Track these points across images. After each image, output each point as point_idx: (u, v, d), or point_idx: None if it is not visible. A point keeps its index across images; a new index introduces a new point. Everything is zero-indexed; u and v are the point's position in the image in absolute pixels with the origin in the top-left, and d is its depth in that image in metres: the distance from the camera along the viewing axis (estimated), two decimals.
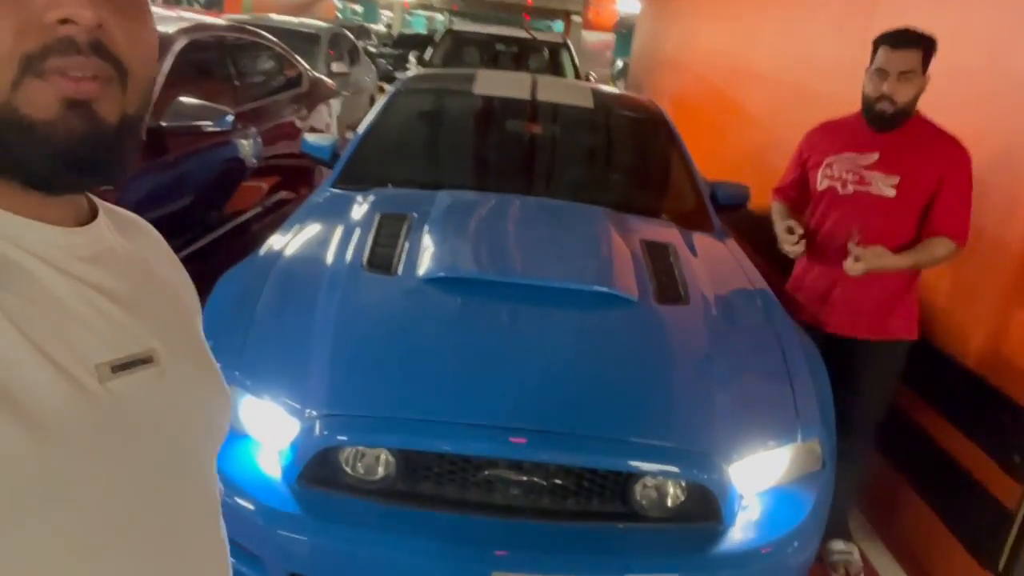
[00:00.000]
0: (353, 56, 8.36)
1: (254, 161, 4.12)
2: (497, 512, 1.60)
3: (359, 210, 2.35)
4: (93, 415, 0.48)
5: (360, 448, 1.61)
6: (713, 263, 2.37)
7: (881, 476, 2.50)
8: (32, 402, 0.44)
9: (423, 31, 22.49)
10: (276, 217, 3.82)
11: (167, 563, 0.54)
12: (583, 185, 2.80)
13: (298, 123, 4.71)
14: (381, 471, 1.61)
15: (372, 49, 14.86)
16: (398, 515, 1.57)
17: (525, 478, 1.61)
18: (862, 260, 1.97)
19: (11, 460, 0.42)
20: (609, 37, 15.61)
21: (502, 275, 1.97)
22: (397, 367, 1.69)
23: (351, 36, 8.63)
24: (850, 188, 2.13)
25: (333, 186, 2.68)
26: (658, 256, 2.24)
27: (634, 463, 1.60)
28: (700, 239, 2.52)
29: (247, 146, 4.06)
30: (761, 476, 1.68)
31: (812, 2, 4.00)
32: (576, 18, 19.71)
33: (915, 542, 2.41)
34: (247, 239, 3.85)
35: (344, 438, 1.58)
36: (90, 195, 0.58)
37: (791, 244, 2.15)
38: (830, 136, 2.23)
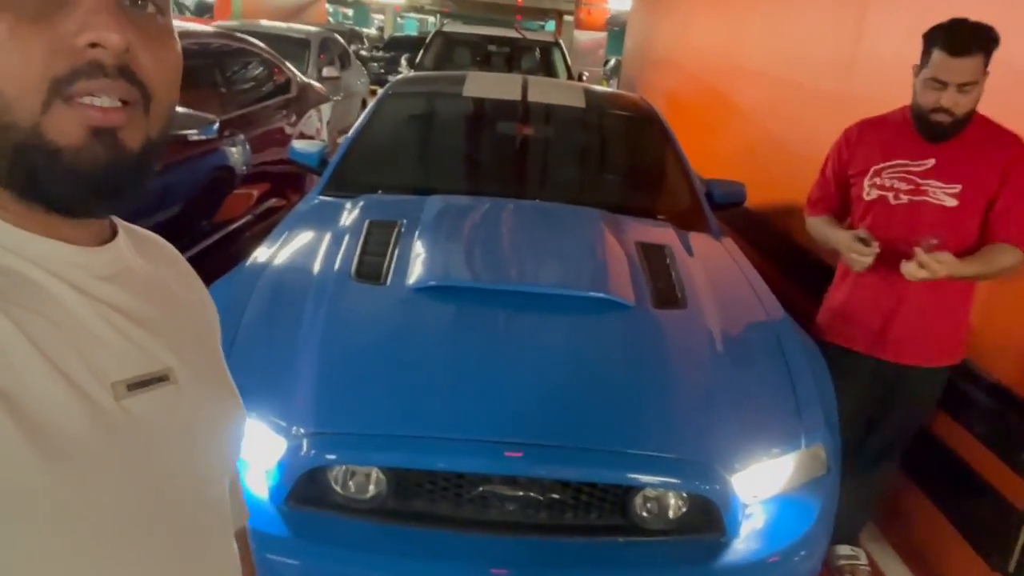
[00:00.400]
0: (344, 60, 8.32)
1: (243, 168, 4.07)
2: (493, 529, 1.54)
3: (347, 218, 2.30)
4: (107, 432, 0.48)
5: (350, 467, 1.55)
6: (710, 264, 2.32)
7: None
8: (46, 418, 0.44)
9: (415, 34, 22.46)
10: (267, 225, 3.78)
11: None
12: (576, 186, 2.75)
13: (287, 129, 4.66)
14: (372, 489, 1.55)
15: (364, 53, 14.82)
16: (390, 534, 1.51)
17: (521, 493, 1.56)
18: (927, 267, 1.74)
19: (23, 475, 0.43)
20: (601, 36, 15.57)
21: (495, 282, 1.92)
22: (387, 381, 1.63)
23: (342, 40, 8.59)
24: (904, 198, 1.92)
25: (322, 193, 2.63)
26: (654, 258, 2.19)
27: (633, 476, 1.55)
28: (696, 239, 2.47)
29: (236, 153, 4.01)
30: (765, 484, 1.63)
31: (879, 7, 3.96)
32: (568, 17, 19.68)
33: (923, 544, 2.36)
34: (238, 247, 3.81)
35: (333, 457, 1.53)
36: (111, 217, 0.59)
37: (866, 255, 1.86)
38: (875, 141, 2.00)
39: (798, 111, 3.77)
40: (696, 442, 1.58)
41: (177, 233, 3.35)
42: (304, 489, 1.52)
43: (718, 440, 1.59)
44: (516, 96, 3.04)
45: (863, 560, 2.27)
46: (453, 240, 2.12)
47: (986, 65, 1.75)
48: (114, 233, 0.57)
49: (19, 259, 0.49)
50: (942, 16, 1.82)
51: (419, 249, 2.02)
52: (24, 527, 0.43)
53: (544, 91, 3.17)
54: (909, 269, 1.78)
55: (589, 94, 3.19)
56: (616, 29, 15.75)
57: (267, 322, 1.79)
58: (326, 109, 5.57)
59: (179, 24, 2.98)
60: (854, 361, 2.04)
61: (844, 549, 2.26)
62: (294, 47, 7.11)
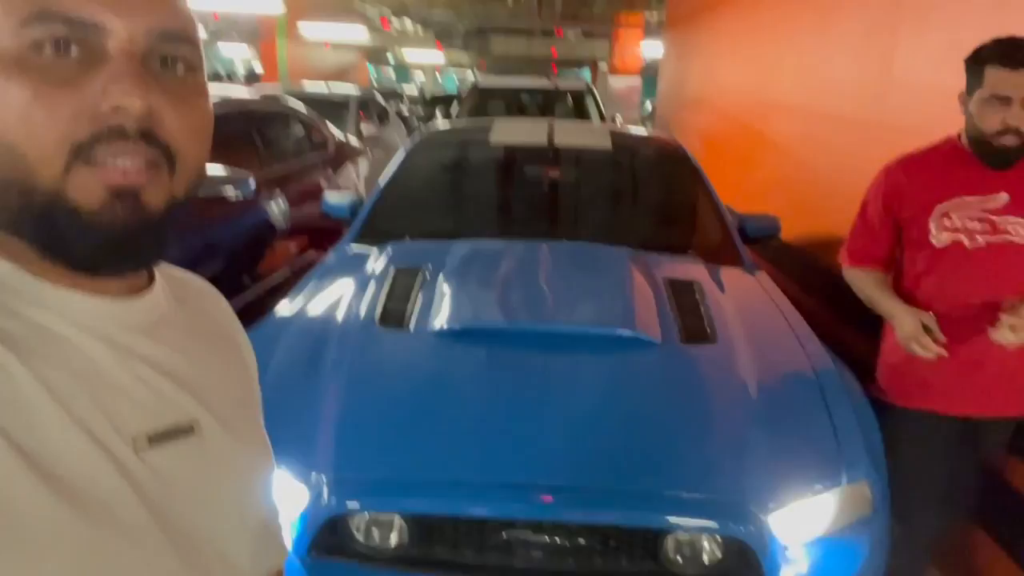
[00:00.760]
0: (382, 117, 8.57)
1: (283, 223, 4.20)
2: None
3: (373, 265, 2.33)
4: (127, 485, 0.48)
5: (372, 515, 1.53)
6: (742, 298, 2.26)
7: None
8: (65, 472, 0.45)
9: (455, 91, 23.09)
10: None
11: None
12: (602, 226, 2.73)
13: (325, 184, 4.79)
14: (394, 538, 1.52)
15: (404, 110, 15.27)
16: None
17: (547, 539, 1.51)
18: (1018, 330, 1.56)
19: (42, 529, 0.43)
20: (636, 81, 15.73)
21: (516, 322, 1.90)
22: (409, 426, 1.62)
23: (380, 99, 8.85)
24: (980, 240, 1.68)
25: (351, 242, 2.67)
26: (683, 294, 2.14)
27: (663, 517, 1.48)
28: (728, 273, 2.42)
29: (275, 209, 4.14)
30: (806, 525, 1.55)
31: (830, 27, 3.93)
32: (602, 65, 19.97)
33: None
34: (277, 300, 3.90)
35: (355, 504, 1.51)
36: None
37: (930, 350, 1.65)
38: (930, 178, 1.77)
39: (831, 141, 3.71)
40: (728, 480, 1.52)
41: (219, 288, 3.49)
42: (326, 539, 1.50)
43: (752, 477, 1.52)
44: (542, 140, 3.06)
45: None
46: (476, 283, 2.12)
47: None
48: (151, 280, 0.57)
49: (46, 312, 0.49)
50: (973, 41, 1.75)
51: (442, 293, 2.02)
52: None
53: (570, 134, 3.20)
54: (1002, 335, 1.58)
55: (616, 135, 3.20)
56: (651, 75, 15.92)
57: (291, 368, 1.80)
58: (363, 164, 5.73)
59: (223, 90, 3.14)
60: (931, 423, 1.80)
61: None
62: (334, 107, 7.38)
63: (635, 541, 1.51)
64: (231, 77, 20.46)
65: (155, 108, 0.48)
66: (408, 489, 1.53)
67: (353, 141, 6.02)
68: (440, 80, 32.07)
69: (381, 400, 1.70)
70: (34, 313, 0.49)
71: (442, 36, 21.31)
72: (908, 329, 1.69)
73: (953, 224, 1.71)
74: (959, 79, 1.81)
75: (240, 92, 4.86)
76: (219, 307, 0.68)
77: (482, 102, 7.98)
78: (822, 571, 1.53)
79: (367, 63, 26.54)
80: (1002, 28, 1.73)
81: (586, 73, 23.97)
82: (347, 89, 8.60)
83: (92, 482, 0.46)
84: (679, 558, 1.51)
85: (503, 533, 1.51)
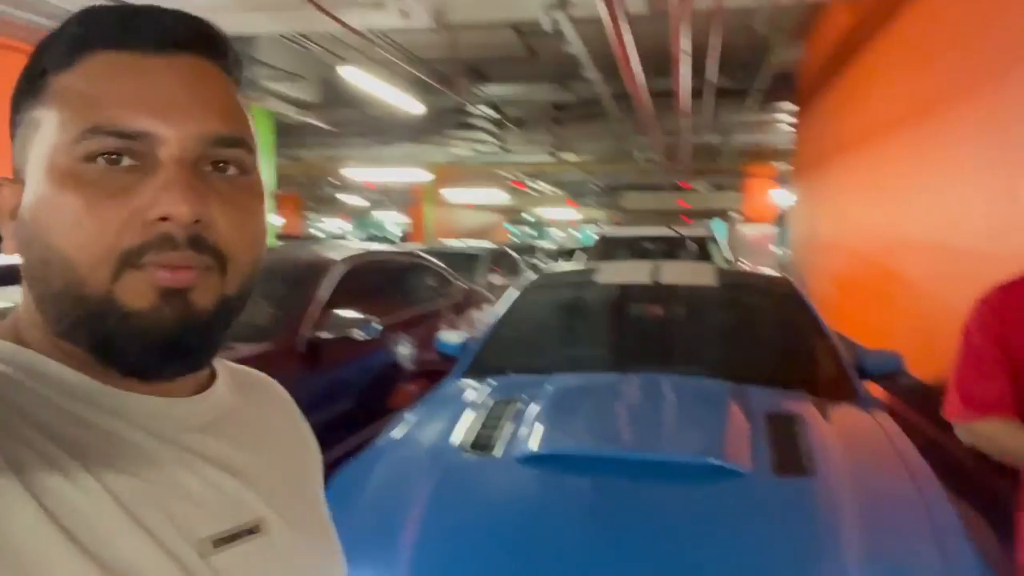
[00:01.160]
0: (513, 269, 9.09)
1: (410, 364, 4.47)
2: None
3: (474, 396, 2.43)
4: None
5: None
6: (852, 434, 2.13)
7: None
8: None
9: (590, 243, 23.98)
10: None
11: None
12: (703, 360, 2.71)
13: (447, 327, 5.08)
14: None
15: (539, 262, 15.98)
16: None
17: None
18: None
19: None
20: (770, 229, 15.64)
21: (600, 450, 1.90)
22: (484, 553, 1.63)
23: (512, 253, 9.42)
24: None
25: (459, 378, 2.81)
26: (781, 426, 2.06)
27: None
28: (838, 409, 2.31)
29: (403, 351, 4.43)
30: None
31: (956, 162, 3.85)
32: (734, 215, 20.08)
33: None
34: None
35: None
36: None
37: None
38: None
39: (962, 276, 3.52)
40: None
41: (352, 423, 3.71)
42: None
43: None
44: (646, 279, 3.15)
45: None
46: (564, 411, 2.15)
47: None
48: (213, 377, 0.58)
49: (108, 416, 0.50)
50: None
51: (531, 420, 2.07)
52: None
53: (675, 272, 3.26)
54: None
55: (721, 272, 3.23)
56: (785, 224, 15.80)
57: (382, 495, 1.88)
58: (488, 309, 6.04)
59: (360, 246, 3.57)
60: None
61: None
62: (468, 260, 7.98)
63: None
64: (385, 238, 22.54)
65: (204, 213, 0.49)
66: None
67: (482, 290, 6.40)
68: (576, 234, 33.40)
69: (458, 526, 1.72)
70: (103, 420, 0.49)
71: (575, 195, 22.46)
72: None
73: None
74: None
75: (377, 247, 5.39)
76: (281, 400, 0.67)
77: (608, 251, 8.26)
78: None
79: (505, 222, 28.32)
80: None
81: (719, 223, 24.14)
82: (480, 245, 9.26)
83: None
84: None
85: None
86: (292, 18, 5.85)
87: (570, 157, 14.80)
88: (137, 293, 0.48)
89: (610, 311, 3.12)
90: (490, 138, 11.54)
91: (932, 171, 4.24)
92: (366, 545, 1.66)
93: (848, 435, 2.10)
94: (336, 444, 3.41)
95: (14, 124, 0.52)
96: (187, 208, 0.47)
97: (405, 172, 13.26)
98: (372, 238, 17.68)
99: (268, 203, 0.56)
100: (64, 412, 0.48)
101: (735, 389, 2.32)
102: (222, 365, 0.60)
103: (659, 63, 6.18)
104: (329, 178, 16.22)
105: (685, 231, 8.72)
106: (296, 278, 3.84)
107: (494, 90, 9.78)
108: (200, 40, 0.52)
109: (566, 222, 31.84)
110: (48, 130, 0.49)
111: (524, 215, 30.07)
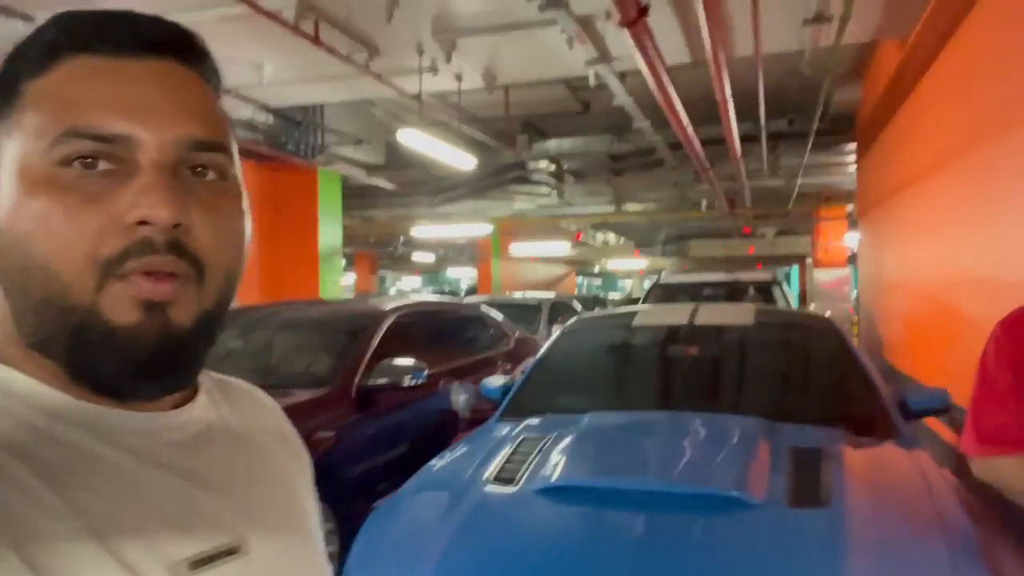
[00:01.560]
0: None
1: (466, 411, 4.58)
2: None
3: (507, 435, 2.52)
4: None
5: None
6: (883, 470, 2.10)
7: None
8: None
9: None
10: None
11: None
12: (735, 398, 2.72)
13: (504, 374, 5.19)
14: None
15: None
16: None
17: None
18: None
19: None
20: (845, 272, 15.16)
21: (609, 481, 1.95)
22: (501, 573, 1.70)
23: (573, 304, 9.50)
24: None
25: (497, 420, 2.90)
26: (805, 461, 2.06)
27: None
28: (873, 446, 2.28)
29: (458, 398, 4.55)
30: None
31: (1007, 197, 3.75)
32: (808, 260, 19.54)
33: None
34: None
35: None
36: None
37: None
38: None
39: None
40: None
41: (407, 467, 3.84)
42: None
43: None
44: (683, 321, 3.19)
45: None
46: (587, 446, 2.21)
47: None
48: (194, 390, 0.57)
49: (81, 432, 0.48)
50: None
51: (556, 454, 2.14)
52: None
53: (712, 314, 3.29)
54: None
55: (760, 312, 3.24)
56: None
57: (410, 529, 1.98)
58: None
59: (414, 298, 3.82)
60: None
61: None
62: (529, 311, 8.15)
63: None
64: (456, 293, 23.02)
65: (184, 218, 0.47)
66: None
67: (536, 338, 6.49)
68: (645, 286, 33.20)
69: (476, 555, 1.80)
70: (76, 437, 0.47)
71: (642, 244, 22.40)
72: None
73: None
74: None
75: (430, 298, 5.62)
76: (267, 409, 0.66)
77: (667, 298, 8.23)
78: None
79: (575, 275, 28.40)
80: None
81: (794, 271, 23.51)
82: (540, 295, 9.40)
83: None
84: None
85: None
86: (353, 87, 6.26)
87: (633, 207, 14.87)
88: (122, 307, 0.47)
89: (645, 352, 3.17)
90: (550, 191, 11.77)
91: (985, 205, 4.13)
92: (387, 565, 1.76)
93: (878, 472, 2.07)
94: (393, 487, 3.54)
95: None
96: (167, 212, 0.46)
97: (469, 228, 13.62)
98: (440, 292, 18.12)
99: (245, 202, 0.54)
100: (35, 430, 0.46)
101: (765, 426, 2.33)
102: (205, 376, 0.59)
103: (707, 110, 6.25)
104: (401, 236, 16.79)
105: (747, 276, 8.59)
106: (350, 328, 4.06)
107: (551, 144, 10.04)
108: (177, 45, 0.51)
109: (635, 272, 31.65)
110: (22, 136, 0.48)
111: (594, 267, 30.12)
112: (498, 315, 5.85)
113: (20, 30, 0.51)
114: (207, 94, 0.53)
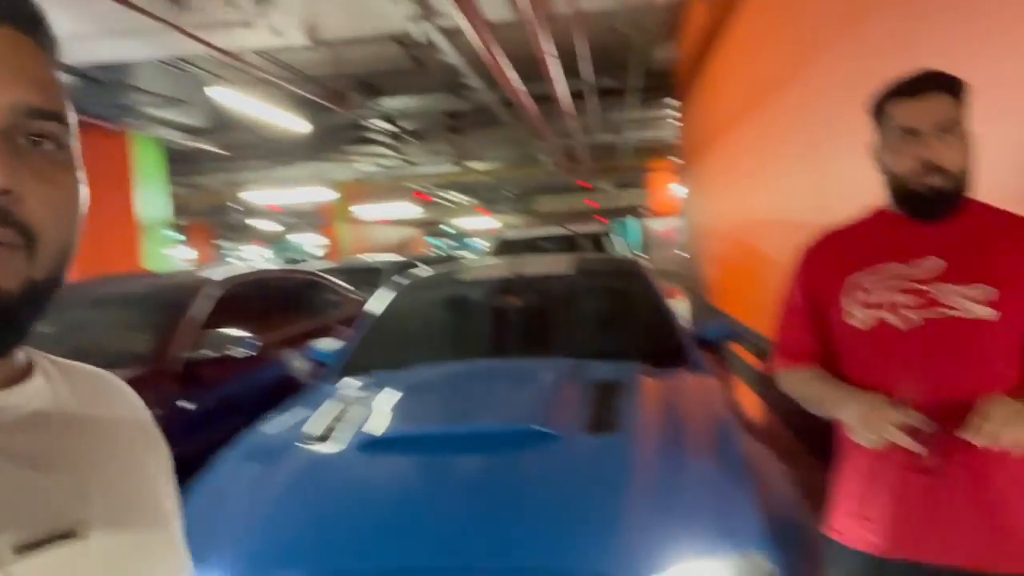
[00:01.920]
0: None
1: (305, 377, 4.54)
2: None
3: (333, 394, 2.54)
4: None
5: None
6: (670, 396, 2.35)
7: None
8: None
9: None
10: None
11: None
12: (553, 343, 2.91)
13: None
14: None
15: None
16: None
17: None
18: (993, 420, 1.15)
19: None
20: (675, 222, 16.26)
21: (425, 429, 2.05)
22: (312, 528, 1.75)
23: (417, 263, 9.54)
24: (915, 317, 1.31)
25: (329, 380, 2.91)
26: (605, 393, 2.26)
27: None
28: (667, 375, 2.53)
29: (297, 364, 4.49)
30: None
31: (786, 147, 4.20)
32: (644, 211, 20.74)
33: None
34: None
35: None
36: (31, 353, 0.56)
37: (890, 435, 1.23)
38: (848, 247, 1.44)
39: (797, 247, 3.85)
40: (599, 557, 1.57)
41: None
42: None
43: (624, 550, 1.57)
44: (507, 273, 3.33)
45: None
46: (407, 399, 2.29)
47: (963, 111, 1.30)
48: (27, 372, 0.55)
49: None
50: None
51: (376, 410, 2.21)
52: None
53: (536, 265, 3.46)
54: (980, 432, 1.15)
55: (579, 260, 3.45)
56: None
57: (221, 488, 1.98)
58: None
59: (245, 268, 3.65)
60: (876, 570, 1.37)
61: None
62: (370, 274, 8.10)
63: None
64: (303, 260, 22.28)
65: (15, 187, 0.46)
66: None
67: None
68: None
69: (292, 513, 1.83)
70: None
71: (489, 202, 22.73)
72: (857, 407, 1.28)
73: (870, 299, 1.35)
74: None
75: (263, 267, 5.46)
76: (121, 396, 0.64)
77: (509, 252, 8.49)
78: None
79: (426, 235, 28.36)
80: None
81: (631, 222, 24.83)
82: (385, 259, 9.35)
83: None
84: None
85: None
86: (161, 43, 5.81)
87: (477, 166, 15.03)
88: None
89: (471, 305, 3.29)
90: (390, 152, 11.63)
91: (770, 154, 4.60)
92: (198, 539, 1.75)
93: (664, 397, 2.31)
94: None
95: None
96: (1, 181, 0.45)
97: (309, 192, 13.18)
98: (291, 261, 17.48)
99: (82, 174, 0.53)
100: None
101: (574, 365, 2.52)
102: (48, 361, 0.57)
103: (537, 68, 6.41)
104: (228, 203, 15.94)
105: (580, 228, 9.02)
106: (169, 301, 3.87)
107: (387, 103, 9.88)
108: (11, 12, 0.50)
109: (486, 231, 32.12)
110: None
111: (444, 227, 30.18)
112: (339, 281, 5.78)
113: None
114: (44, 62, 0.52)
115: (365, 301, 6.06)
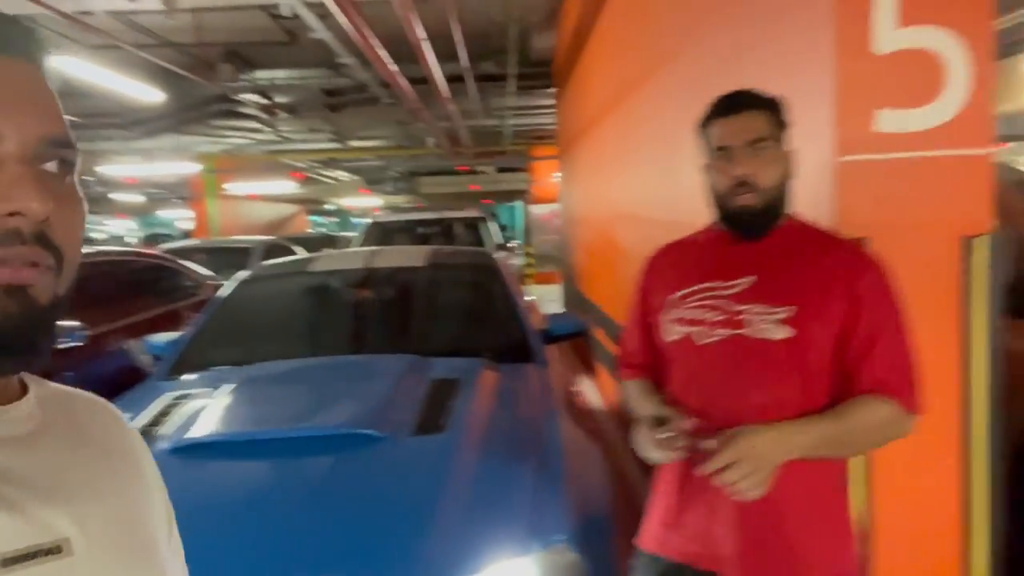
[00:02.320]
0: None
1: (150, 365, 4.28)
2: None
3: (161, 392, 2.41)
4: None
5: None
6: (506, 392, 2.38)
7: None
8: None
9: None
10: None
11: None
12: (398, 338, 2.89)
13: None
14: None
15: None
16: None
17: None
18: (730, 452, 1.17)
19: None
20: (556, 207, 16.55)
21: (243, 433, 1.98)
22: None
23: (289, 246, 9.20)
24: (716, 333, 1.33)
25: (161, 376, 2.75)
26: (441, 391, 2.26)
27: None
28: (508, 371, 2.56)
29: (141, 352, 4.23)
30: None
31: (640, 143, 4.35)
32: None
33: None
34: None
35: None
36: (25, 375, 0.58)
37: (660, 447, 1.29)
38: (677, 262, 1.49)
39: (650, 242, 4.01)
40: (408, 569, 1.57)
41: None
42: None
43: (434, 562, 1.58)
44: (359, 265, 3.27)
45: None
46: (234, 399, 2.20)
47: (777, 129, 1.35)
48: (22, 393, 0.56)
49: None
50: None
51: (200, 410, 2.11)
52: None
53: (389, 258, 3.41)
54: (719, 476, 1.17)
55: (433, 253, 3.43)
56: None
57: None
58: None
59: (97, 249, 3.36)
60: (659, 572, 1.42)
61: None
62: (238, 255, 7.72)
63: None
64: (171, 237, 20.98)
65: (53, 211, 0.50)
66: None
67: None
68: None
69: None
70: None
71: (373, 182, 22.25)
72: (637, 429, 1.34)
73: (683, 315, 1.38)
74: None
75: (98, 249, 5.11)
76: (114, 424, 0.66)
77: (384, 236, 8.34)
78: None
79: (306, 213, 27.42)
80: None
81: (519, 206, 25.08)
82: (253, 239, 8.95)
83: None
84: None
85: None
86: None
87: (358, 144, 14.63)
88: None
89: (319, 299, 3.21)
90: (263, 127, 11.11)
91: (629, 151, 4.76)
92: None
93: (501, 394, 2.34)
94: None
95: None
96: (38, 205, 0.48)
97: (172, 166, 12.39)
98: (154, 236, 16.40)
99: None
100: None
101: (416, 362, 2.50)
102: (37, 383, 0.59)
103: (408, 49, 6.30)
104: (83, 176, 14.73)
105: (456, 214, 9.00)
106: None
107: (259, 76, 9.41)
108: (25, 45, 0.53)
109: (370, 210, 31.48)
110: None
111: (327, 205, 29.28)
112: (194, 265, 5.48)
113: None
114: (52, 92, 0.55)
115: (220, 284, 5.81)
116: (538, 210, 16.23)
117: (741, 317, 1.32)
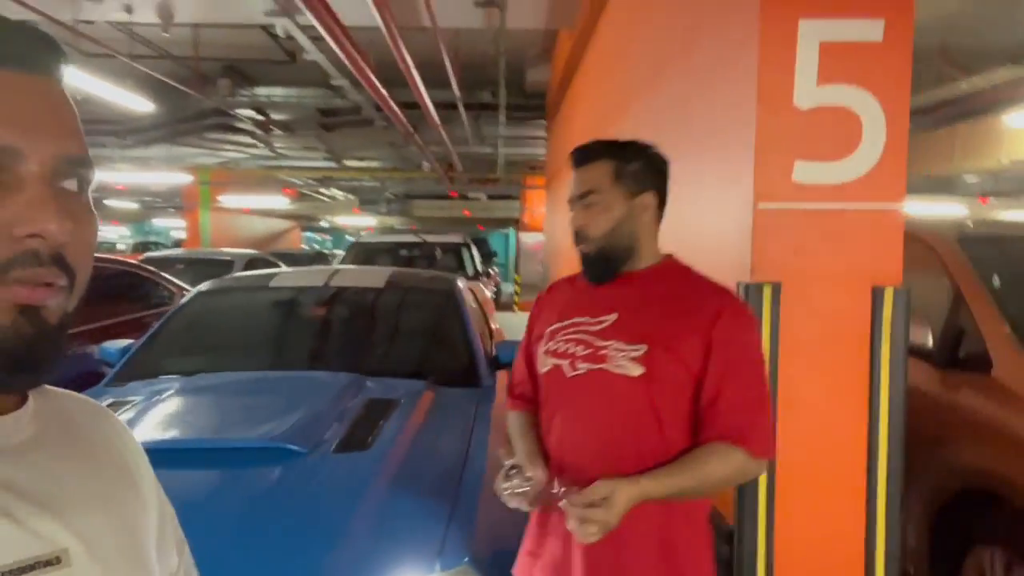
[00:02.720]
0: None
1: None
2: None
3: (106, 397, 2.43)
4: None
5: None
6: (443, 414, 2.41)
7: None
8: None
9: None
10: None
11: None
12: (346, 357, 2.91)
13: None
14: None
15: None
16: None
17: None
18: (575, 512, 1.19)
19: None
20: (543, 238, 16.68)
21: (169, 442, 2.00)
22: None
23: (271, 259, 9.26)
24: (580, 367, 1.36)
25: (108, 383, 2.78)
26: (373, 411, 2.29)
27: None
28: (448, 396, 2.59)
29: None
30: None
31: None
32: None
33: None
34: None
35: None
36: None
37: (513, 499, 1.31)
38: (559, 298, 1.53)
39: None
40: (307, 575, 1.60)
41: None
42: None
43: (336, 571, 1.61)
44: (318, 283, 3.32)
45: None
46: (167, 409, 2.23)
47: (621, 177, 1.38)
48: (21, 403, 0.56)
49: None
50: None
51: (135, 419, 2.13)
52: None
53: (348, 277, 3.46)
54: (572, 527, 1.20)
55: (393, 274, 3.48)
56: None
57: None
58: None
59: None
60: None
61: None
62: (220, 268, 7.78)
63: None
64: (163, 245, 21.03)
65: (70, 233, 0.50)
66: None
67: None
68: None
69: None
70: None
71: (368, 202, 22.39)
72: (498, 478, 1.34)
73: (555, 347, 1.41)
74: None
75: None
76: (114, 432, 0.65)
77: (366, 256, 8.41)
78: None
79: (299, 229, 27.54)
80: None
81: (512, 233, 25.25)
82: (235, 252, 9.02)
83: None
84: None
85: None
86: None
87: (353, 164, 14.77)
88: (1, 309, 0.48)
89: (272, 314, 3.25)
90: (258, 142, 11.23)
91: None
92: None
93: (435, 418, 2.37)
94: None
95: None
96: (58, 227, 0.49)
97: (165, 176, 12.48)
98: (144, 244, 16.46)
99: None
100: None
101: (354, 381, 2.53)
102: (39, 392, 0.59)
103: (400, 75, 6.42)
104: None
105: (438, 239, 9.08)
106: None
107: (258, 92, 9.55)
108: (52, 63, 0.53)
109: (363, 229, 31.62)
110: None
111: (321, 223, 29.41)
112: (165, 275, 5.53)
113: None
114: (73, 109, 0.54)
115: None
116: (528, 239, 16.35)
117: (604, 352, 1.34)
